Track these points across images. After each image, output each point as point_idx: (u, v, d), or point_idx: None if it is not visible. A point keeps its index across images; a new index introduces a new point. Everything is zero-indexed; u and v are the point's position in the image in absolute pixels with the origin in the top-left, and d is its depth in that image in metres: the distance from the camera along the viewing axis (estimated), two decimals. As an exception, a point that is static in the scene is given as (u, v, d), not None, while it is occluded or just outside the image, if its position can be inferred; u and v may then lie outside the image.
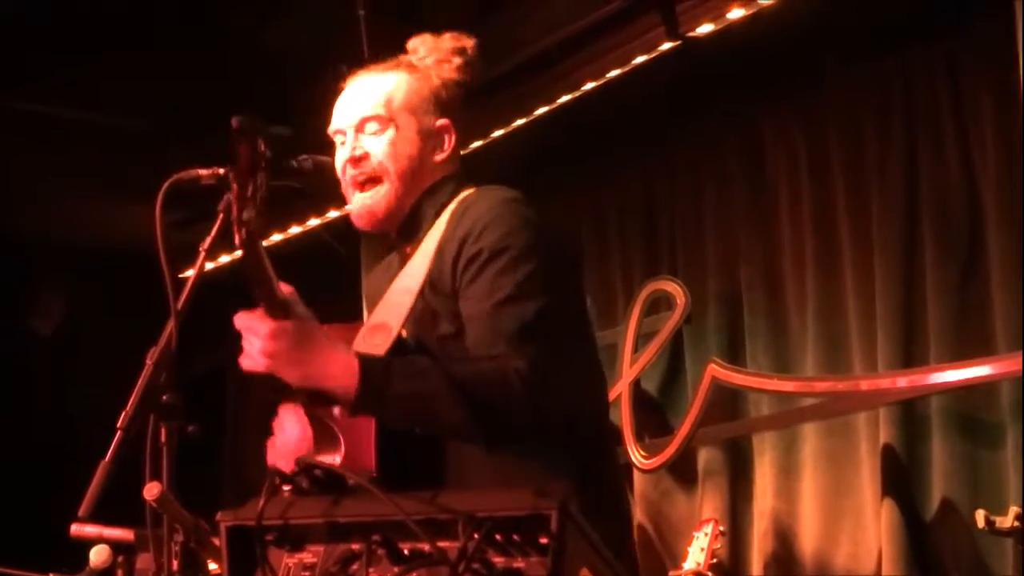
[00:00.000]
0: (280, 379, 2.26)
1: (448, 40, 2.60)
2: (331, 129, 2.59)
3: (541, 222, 2.45)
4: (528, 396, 2.24)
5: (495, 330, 2.30)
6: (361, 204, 2.53)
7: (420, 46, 2.61)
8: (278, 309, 2.23)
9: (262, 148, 2.00)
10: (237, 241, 2.03)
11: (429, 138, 2.55)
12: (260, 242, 2.08)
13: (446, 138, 2.57)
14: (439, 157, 2.56)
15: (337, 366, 2.22)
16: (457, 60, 2.59)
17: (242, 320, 2.23)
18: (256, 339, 2.21)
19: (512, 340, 2.27)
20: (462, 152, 2.65)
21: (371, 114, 2.53)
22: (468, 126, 2.65)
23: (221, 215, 2.10)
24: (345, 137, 2.55)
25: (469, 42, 2.61)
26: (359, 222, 2.56)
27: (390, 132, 2.52)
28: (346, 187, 2.55)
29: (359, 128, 2.54)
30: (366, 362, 2.23)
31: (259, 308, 2.23)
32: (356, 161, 2.52)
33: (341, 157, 2.54)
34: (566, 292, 2.43)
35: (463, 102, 2.61)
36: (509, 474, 2.35)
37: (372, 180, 2.52)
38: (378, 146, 2.52)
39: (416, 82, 2.56)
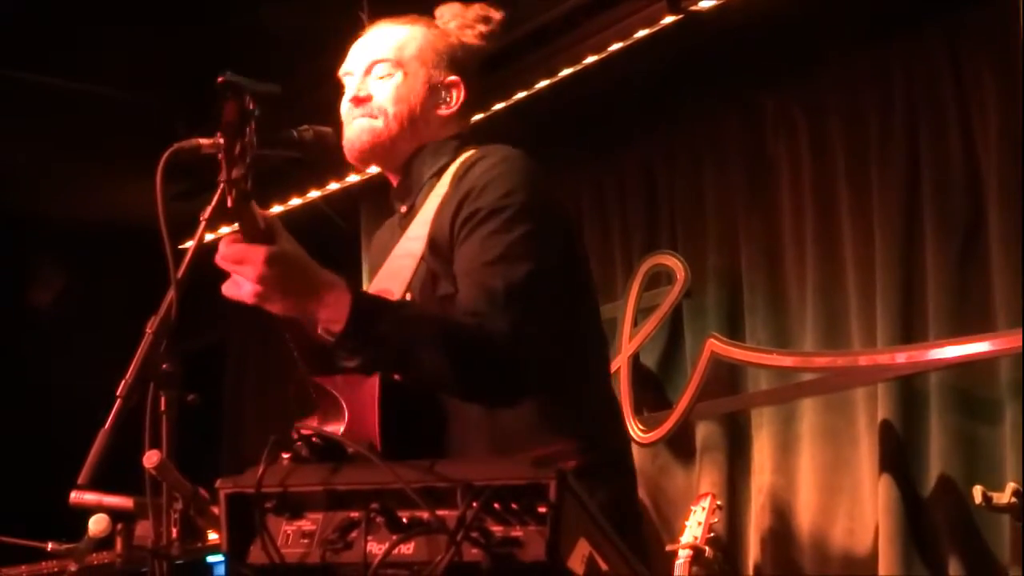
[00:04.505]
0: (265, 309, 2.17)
1: (476, 8, 2.62)
2: (341, 71, 2.59)
3: (544, 181, 2.44)
4: (508, 358, 2.25)
5: (482, 289, 2.29)
6: (350, 131, 2.53)
7: (446, 11, 2.62)
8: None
9: (250, 105, 1.97)
10: (228, 200, 2.01)
11: (436, 91, 2.55)
12: (250, 199, 2.04)
13: (454, 93, 2.57)
14: (444, 112, 2.56)
15: (330, 296, 2.15)
16: (481, 27, 2.60)
17: (232, 248, 2.09)
18: (251, 265, 2.08)
19: (498, 301, 2.26)
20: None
21: (381, 57, 2.54)
22: (480, 94, 2.65)
23: (221, 184, 2.07)
24: (353, 78, 2.56)
25: (497, 15, 2.62)
26: (348, 151, 2.55)
27: (397, 77, 2.53)
28: (346, 126, 2.54)
29: (368, 70, 2.55)
30: (359, 297, 2.18)
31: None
32: (359, 101, 2.53)
33: (346, 97, 2.55)
34: (561, 256, 2.41)
35: (479, 69, 2.62)
36: (512, 439, 2.35)
37: (369, 118, 2.53)
38: (383, 89, 2.53)
39: (433, 36, 2.58)
